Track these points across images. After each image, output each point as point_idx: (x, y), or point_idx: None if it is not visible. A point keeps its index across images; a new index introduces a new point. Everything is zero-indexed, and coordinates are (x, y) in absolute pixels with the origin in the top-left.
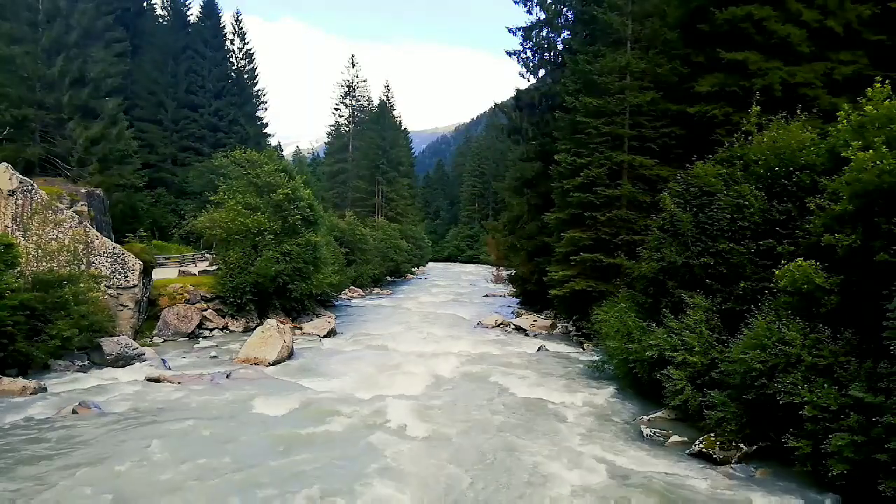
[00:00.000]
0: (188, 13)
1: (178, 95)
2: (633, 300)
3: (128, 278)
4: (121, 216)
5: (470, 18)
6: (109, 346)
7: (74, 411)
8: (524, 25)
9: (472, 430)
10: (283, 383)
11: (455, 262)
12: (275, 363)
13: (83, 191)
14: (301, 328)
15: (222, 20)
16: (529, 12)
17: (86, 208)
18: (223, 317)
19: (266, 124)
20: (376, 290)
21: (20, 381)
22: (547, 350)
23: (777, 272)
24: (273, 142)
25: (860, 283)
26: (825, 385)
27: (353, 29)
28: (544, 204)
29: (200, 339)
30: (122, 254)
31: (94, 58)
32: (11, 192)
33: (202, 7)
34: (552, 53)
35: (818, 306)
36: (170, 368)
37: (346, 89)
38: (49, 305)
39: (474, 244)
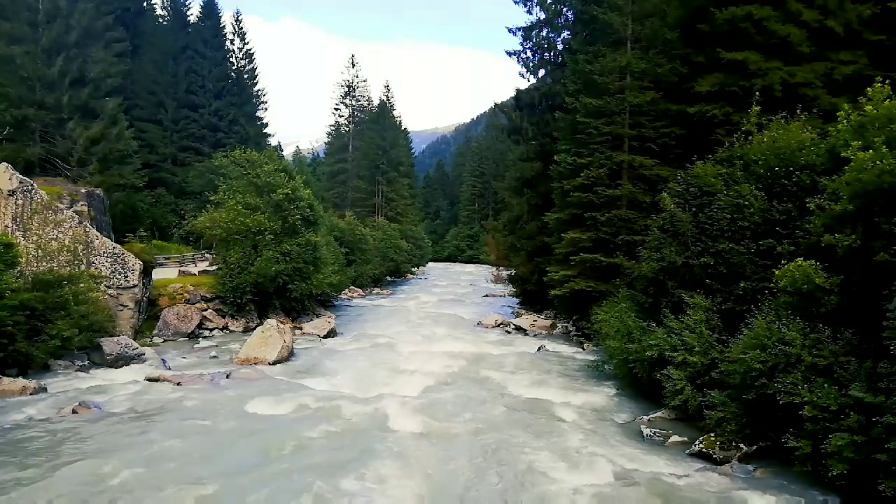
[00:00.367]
0: (188, 13)
1: (178, 95)
2: (633, 300)
3: (128, 278)
4: (121, 216)
5: (470, 18)
6: (109, 346)
7: (74, 411)
8: (524, 25)
9: (472, 430)
10: (283, 383)
11: (455, 262)
12: (275, 363)
13: (83, 191)
14: (301, 328)
15: (222, 20)
16: (529, 12)
17: (86, 208)
18: (223, 317)
19: (266, 124)
20: (376, 290)
21: (20, 381)
22: (547, 350)
23: (777, 272)
24: (273, 142)
25: (860, 283)
26: (825, 385)
27: (353, 29)
28: (544, 204)
29: (200, 339)
30: (122, 254)
31: (94, 58)
32: (11, 192)
33: (202, 7)
34: (552, 53)
35: (818, 306)
36: (170, 368)
37: (346, 89)
38: (49, 305)
39: (474, 244)
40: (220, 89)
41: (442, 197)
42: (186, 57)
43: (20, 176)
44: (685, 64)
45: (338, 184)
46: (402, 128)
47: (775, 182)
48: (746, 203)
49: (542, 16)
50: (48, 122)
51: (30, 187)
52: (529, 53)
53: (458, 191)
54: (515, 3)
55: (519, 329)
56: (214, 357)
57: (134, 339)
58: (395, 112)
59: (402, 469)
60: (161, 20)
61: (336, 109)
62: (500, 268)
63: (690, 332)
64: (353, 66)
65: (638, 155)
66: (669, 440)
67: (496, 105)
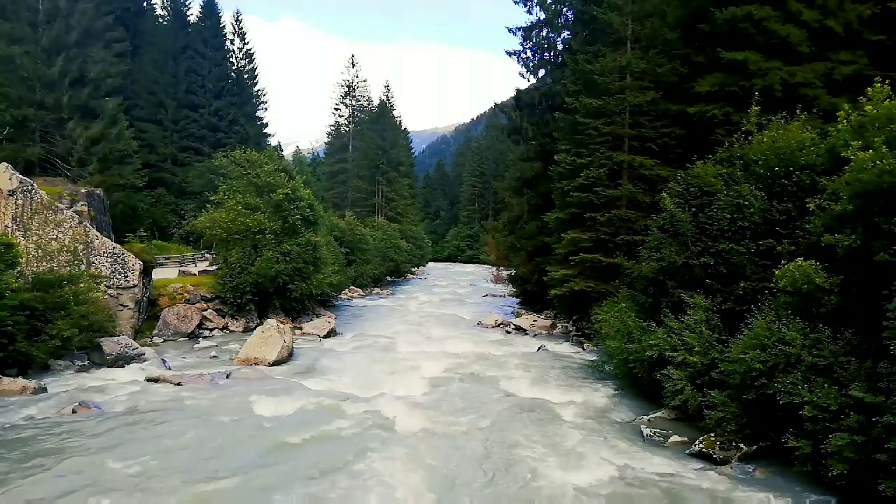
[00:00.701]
0: (188, 13)
1: (178, 95)
2: (633, 300)
3: (128, 278)
4: (121, 216)
5: (470, 18)
6: (109, 346)
7: (74, 411)
8: (524, 25)
9: (472, 430)
10: (283, 383)
11: (455, 262)
12: (275, 363)
13: (83, 191)
14: (301, 328)
15: (222, 20)
16: (529, 12)
17: (86, 208)
18: (223, 317)
19: (266, 124)
20: (376, 290)
21: (20, 381)
22: (547, 350)
23: (777, 272)
24: (273, 142)
25: (860, 283)
26: (825, 385)
27: (353, 29)
28: (544, 204)
29: (200, 339)
30: (122, 254)
31: (94, 58)
32: (11, 192)
33: (202, 7)
34: (552, 53)
35: (818, 306)
36: (170, 368)
37: (346, 89)
38: (49, 305)
39: (474, 244)
40: (220, 89)
41: (442, 197)
42: (186, 57)
43: (20, 176)
44: (685, 64)
45: (338, 184)
46: (402, 128)
47: (775, 182)
48: (746, 203)
49: (542, 16)
50: (48, 122)
51: (30, 187)
52: (529, 53)
53: (458, 191)
54: (515, 3)
55: (519, 329)
56: (214, 357)
57: (134, 339)
58: (394, 112)
59: (402, 468)
60: (161, 20)
61: (336, 109)
62: (500, 268)
63: (690, 332)
64: (353, 66)
65: (638, 155)
66: (669, 440)
67: (496, 105)
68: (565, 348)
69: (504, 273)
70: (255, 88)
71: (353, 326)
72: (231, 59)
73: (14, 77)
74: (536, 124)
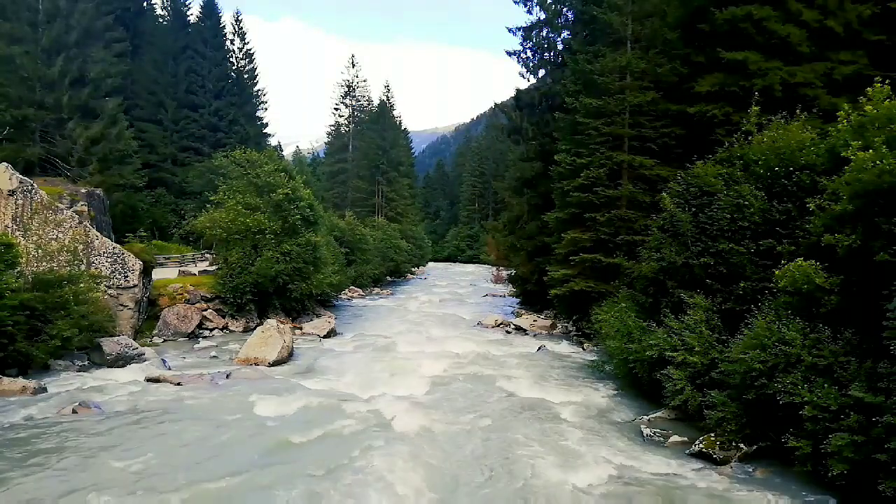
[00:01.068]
0: (188, 13)
1: (178, 95)
2: (633, 300)
3: (128, 278)
4: (121, 216)
5: (470, 18)
6: (109, 346)
7: (74, 411)
8: (524, 25)
9: (472, 430)
10: (283, 383)
11: (455, 262)
12: (275, 363)
13: (83, 191)
14: (301, 328)
15: (222, 20)
16: (529, 12)
17: (86, 208)
18: (223, 317)
19: (266, 124)
20: (376, 290)
21: (20, 381)
22: (547, 350)
23: (777, 272)
24: (273, 142)
25: (860, 283)
26: (825, 385)
27: (353, 29)
28: (544, 204)
29: (200, 339)
30: (122, 254)
31: (94, 58)
32: (11, 192)
33: (202, 7)
34: (552, 53)
35: (818, 306)
36: (170, 368)
37: (346, 89)
38: (49, 305)
39: (474, 244)
40: (220, 89)
41: (442, 197)
42: (186, 57)
43: (20, 176)
44: (685, 64)
45: (338, 184)
46: (402, 128)
47: (775, 182)
48: (746, 203)
49: (542, 16)
50: (48, 122)
51: (30, 187)
52: (529, 53)
53: (458, 191)
54: (515, 3)
55: (519, 329)
56: (214, 357)
57: (134, 339)
58: (394, 112)
59: (403, 468)
60: (161, 20)
61: (336, 109)
62: (500, 268)
63: (690, 332)
64: (353, 66)
65: (638, 155)
66: (669, 440)
67: (496, 105)
68: (565, 348)
69: (504, 273)
70: (255, 88)
71: (353, 326)
72: (231, 59)
73: (14, 77)
74: (536, 124)
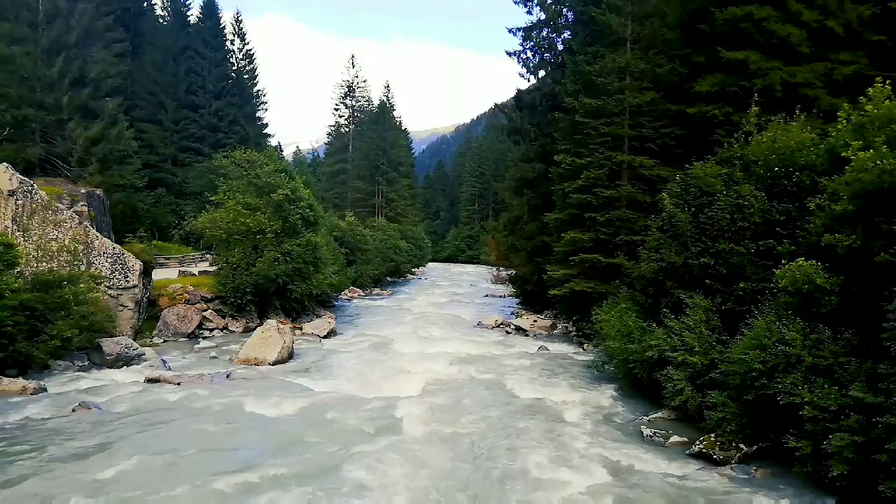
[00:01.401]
0: (188, 13)
1: (178, 96)
2: (633, 300)
3: (128, 279)
4: (121, 216)
5: (470, 18)
6: (109, 346)
7: (74, 411)
8: (524, 26)
9: (472, 431)
10: (283, 384)
11: (455, 262)
12: (275, 364)
13: (83, 191)
14: (301, 328)
15: (222, 20)
16: (529, 12)
17: (86, 208)
18: (223, 317)
19: (266, 124)
20: (376, 290)
21: (20, 382)
22: (547, 350)
23: (777, 272)
24: (273, 142)
25: (860, 284)
26: (825, 385)
27: (353, 29)
28: (544, 204)
29: (200, 339)
30: (122, 254)
31: (94, 58)
32: (11, 193)
33: (202, 7)
34: (552, 54)
35: (818, 306)
36: (170, 369)
37: (346, 90)
38: (49, 306)
39: (474, 244)
40: (220, 90)
41: (442, 197)
42: (186, 57)
43: (20, 176)
44: (685, 64)
45: (338, 184)
46: (402, 128)
47: (775, 182)
48: (746, 203)
49: (543, 16)
50: (48, 122)
51: (30, 187)
52: (530, 54)
53: (458, 191)
54: (515, 3)
55: (519, 329)
56: (214, 357)
57: (134, 340)
58: (394, 112)
59: (402, 468)
60: (161, 20)
61: (336, 110)
62: (500, 268)
63: (690, 332)
64: (353, 66)
65: (638, 155)
66: (669, 440)
67: (496, 105)
68: (565, 348)
69: (504, 273)
70: (255, 89)
71: (353, 327)
72: (231, 60)
73: (14, 77)
74: (537, 125)
